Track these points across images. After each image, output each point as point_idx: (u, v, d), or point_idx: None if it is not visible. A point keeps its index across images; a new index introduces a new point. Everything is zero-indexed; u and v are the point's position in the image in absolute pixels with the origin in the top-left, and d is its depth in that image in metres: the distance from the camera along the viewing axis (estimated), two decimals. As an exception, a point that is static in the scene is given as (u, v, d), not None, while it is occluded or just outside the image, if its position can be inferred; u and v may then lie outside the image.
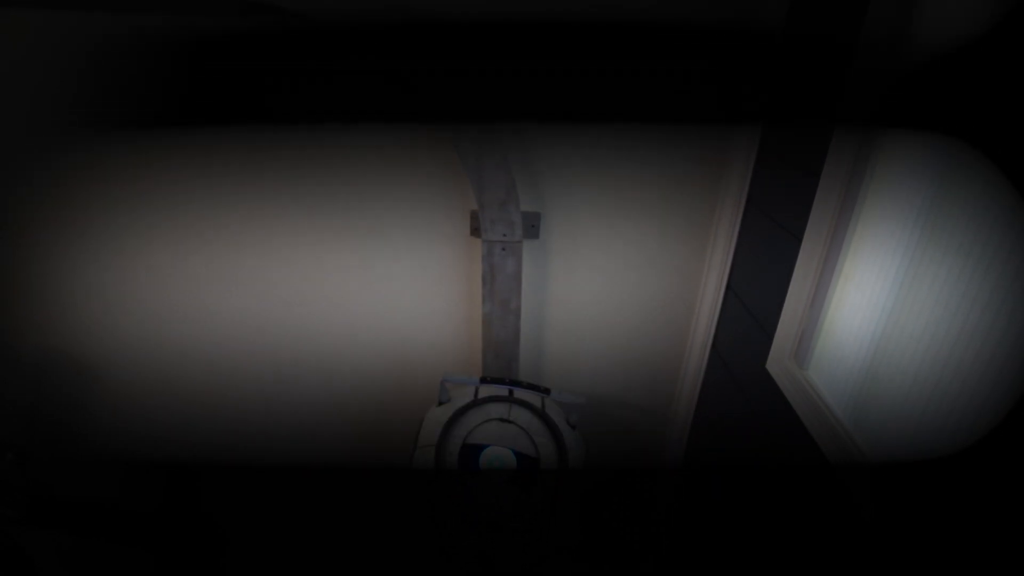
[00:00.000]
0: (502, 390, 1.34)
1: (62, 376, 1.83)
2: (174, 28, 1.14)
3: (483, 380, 1.35)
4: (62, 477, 2.06)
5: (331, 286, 1.61)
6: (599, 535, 2.12)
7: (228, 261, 1.58)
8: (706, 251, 1.51)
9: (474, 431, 1.29)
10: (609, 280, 1.56)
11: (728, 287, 1.48)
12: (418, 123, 1.32)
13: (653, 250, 1.51)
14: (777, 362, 1.16)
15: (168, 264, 1.60)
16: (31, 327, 1.74)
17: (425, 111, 1.20)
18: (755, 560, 1.26)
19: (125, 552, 2.22)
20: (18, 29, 1.18)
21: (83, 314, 1.70)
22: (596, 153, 1.39)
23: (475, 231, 1.49)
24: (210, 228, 1.54)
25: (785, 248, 1.16)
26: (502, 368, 1.55)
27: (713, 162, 1.39)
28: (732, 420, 1.41)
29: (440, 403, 1.36)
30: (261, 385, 1.80)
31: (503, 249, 1.43)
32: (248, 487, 2.07)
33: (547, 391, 1.33)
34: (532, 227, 1.48)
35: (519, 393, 1.35)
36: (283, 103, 1.33)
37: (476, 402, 1.32)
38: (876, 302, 0.90)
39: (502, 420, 1.30)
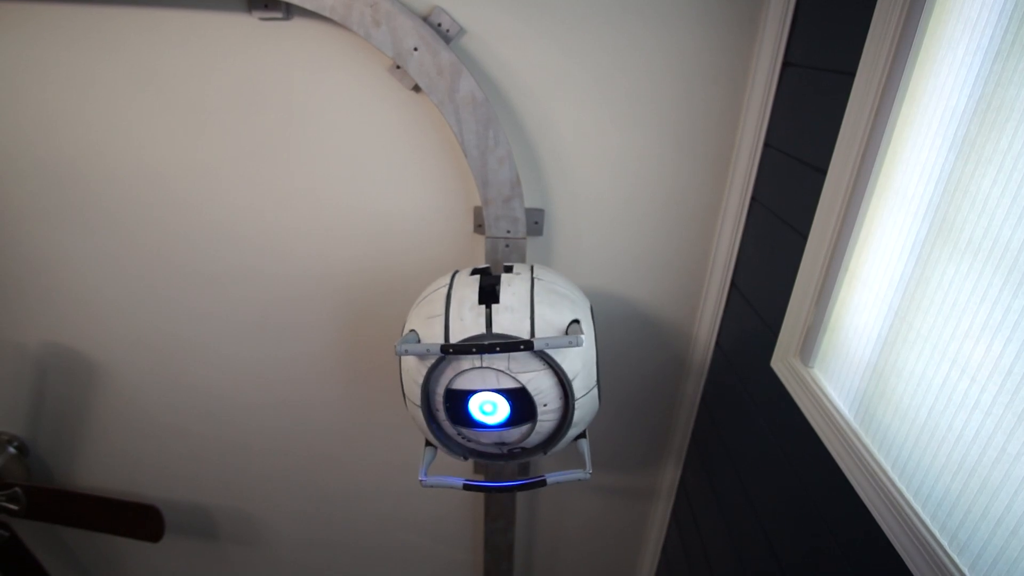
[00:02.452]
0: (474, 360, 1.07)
1: (65, 369, 1.83)
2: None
3: (444, 350, 1.03)
4: (64, 470, 2.06)
5: (333, 285, 1.61)
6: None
7: (229, 263, 1.58)
8: (710, 249, 1.50)
9: (456, 378, 1.07)
10: (612, 278, 1.55)
11: (733, 284, 1.47)
12: None
13: (657, 249, 1.51)
14: (782, 360, 1.15)
15: (166, 263, 1.60)
16: (33, 321, 1.74)
17: None
18: (759, 555, 1.25)
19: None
20: None
21: (85, 308, 1.70)
22: (600, 149, 1.38)
23: (479, 227, 1.49)
24: (205, 226, 1.54)
25: (790, 245, 1.16)
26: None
27: (716, 160, 1.39)
28: (736, 418, 1.41)
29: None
30: (269, 400, 1.80)
31: (507, 246, 1.42)
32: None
33: (529, 345, 1.02)
34: (536, 224, 1.47)
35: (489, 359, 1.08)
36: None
37: (453, 352, 1.07)
38: (883, 300, 0.89)
39: (479, 368, 1.06)
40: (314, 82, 1.34)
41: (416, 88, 1.31)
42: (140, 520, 1.85)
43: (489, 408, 1.08)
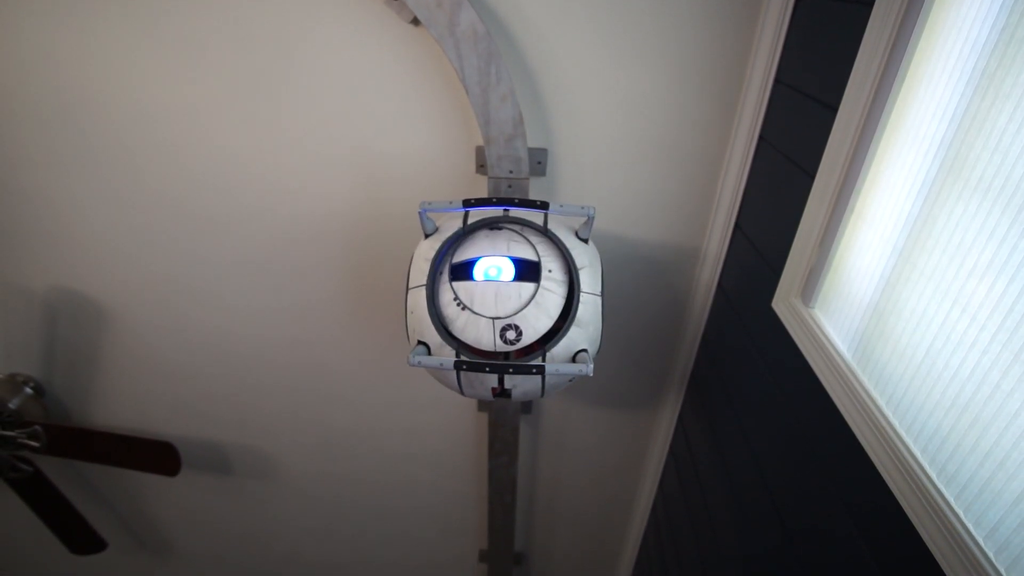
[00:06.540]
0: (495, 211, 1.13)
1: (74, 313, 1.85)
2: None
3: (467, 204, 1.10)
4: (80, 409, 2.13)
5: (336, 225, 1.60)
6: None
7: (231, 204, 1.57)
8: (715, 189, 1.48)
9: (461, 250, 1.10)
10: (615, 219, 1.54)
11: (737, 225, 1.46)
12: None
13: (661, 189, 1.49)
14: (783, 300, 1.16)
15: (169, 204, 1.58)
16: (40, 265, 1.75)
17: None
18: (757, 497, 1.30)
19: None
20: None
21: (90, 251, 1.70)
22: (605, 86, 1.34)
23: (481, 168, 1.47)
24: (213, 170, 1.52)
25: (797, 185, 1.14)
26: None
27: (724, 97, 1.35)
28: (735, 357, 1.43)
29: (427, 236, 1.17)
30: (274, 355, 1.83)
31: (509, 187, 1.40)
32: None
33: (545, 205, 1.10)
34: (539, 164, 1.45)
35: (515, 213, 1.15)
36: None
37: (467, 230, 1.12)
38: (888, 240, 0.89)
39: (492, 227, 1.10)
40: (309, 15, 1.28)
41: (415, 21, 1.26)
42: (157, 456, 1.92)
43: (494, 272, 1.07)
